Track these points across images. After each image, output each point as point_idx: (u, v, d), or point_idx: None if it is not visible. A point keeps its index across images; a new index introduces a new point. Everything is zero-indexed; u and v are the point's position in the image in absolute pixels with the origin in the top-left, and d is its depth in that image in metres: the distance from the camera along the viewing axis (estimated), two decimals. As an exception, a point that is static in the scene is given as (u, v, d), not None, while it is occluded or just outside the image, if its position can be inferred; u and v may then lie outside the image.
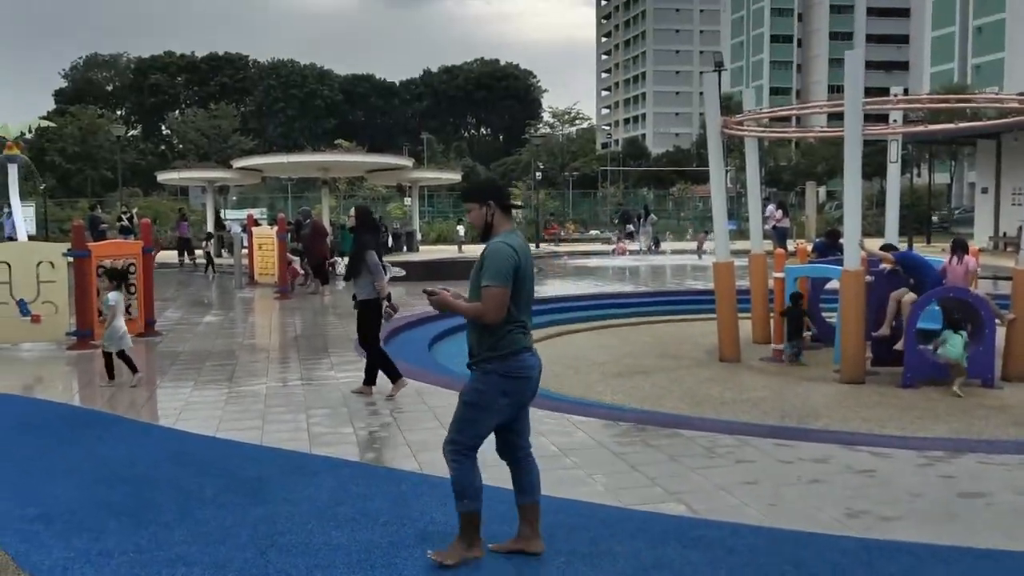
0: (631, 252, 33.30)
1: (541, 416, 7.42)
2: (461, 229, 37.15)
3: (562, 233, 44.92)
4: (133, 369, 9.16)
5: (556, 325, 14.92)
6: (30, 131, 29.82)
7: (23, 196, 26.69)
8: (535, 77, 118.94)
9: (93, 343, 11.58)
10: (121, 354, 9.17)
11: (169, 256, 28.29)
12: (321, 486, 5.60)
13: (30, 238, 24.24)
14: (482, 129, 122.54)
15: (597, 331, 14.86)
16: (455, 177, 41.88)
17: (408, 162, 35.75)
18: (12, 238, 23.41)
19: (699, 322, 15.05)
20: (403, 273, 22.12)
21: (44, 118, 49.15)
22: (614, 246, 34.63)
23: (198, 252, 27.96)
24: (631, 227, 36.19)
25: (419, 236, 37.35)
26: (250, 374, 9.56)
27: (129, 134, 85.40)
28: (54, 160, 63.93)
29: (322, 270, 19.55)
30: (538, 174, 46.81)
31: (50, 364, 10.74)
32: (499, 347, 4.35)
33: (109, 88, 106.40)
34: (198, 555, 4.49)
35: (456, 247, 36.07)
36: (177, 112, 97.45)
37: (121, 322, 9.21)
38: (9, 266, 11.32)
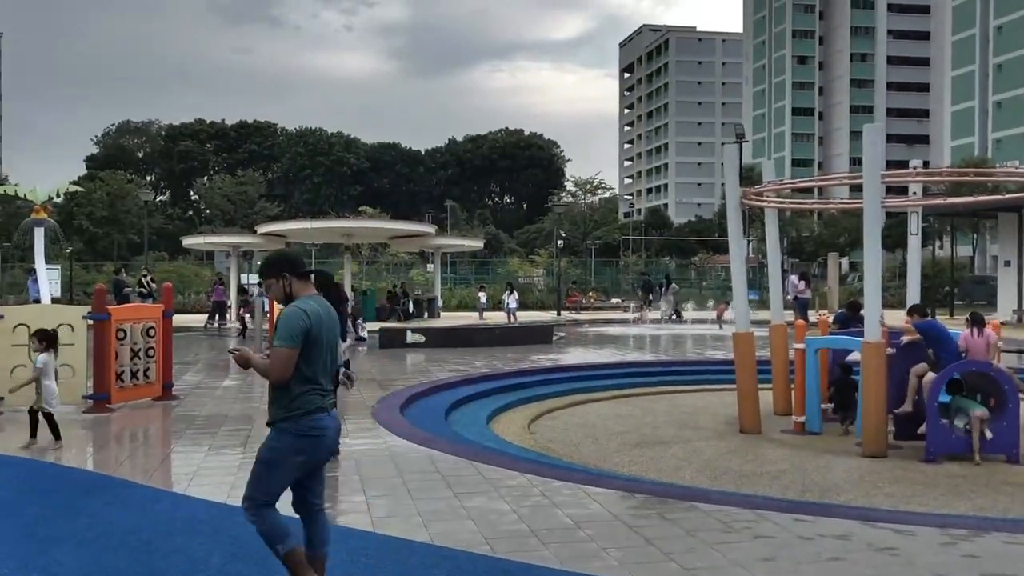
0: (652, 321, 33.18)
1: (557, 487, 7.32)
2: (483, 296, 37.19)
3: (583, 301, 44.87)
4: (56, 436, 9.20)
5: (576, 393, 14.79)
6: (58, 195, 30.39)
7: (49, 259, 27.11)
8: (558, 147, 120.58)
9: (109, 407, 11.61)
10: (49, 417, 9.25)
11: (192, 320, 28.52)
12: (333, 556, 5.48)
13: (54, 301, 24.51)
14: (506, 197, 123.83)
15: (616, 400, 14.70)
16: (477, 244, 42.15)
17: (430, 229, 36.08)
18: (37, 300, 23.71)
19: (719, 393, 14.89)
20: (423, 339, 22.15)
21: (74, 183, 50.25)
22: (635, 315, 34.51)
23: (229, 317, 28.28)
24: (652, 296, 36.11)
25: (440, 302, 37.44)
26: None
27: (157, 199, 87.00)
28: (82, 224, 65.07)
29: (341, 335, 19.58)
30: (560, 242, 47.02)
31: (65, 427, 10.64)
32: (292, 407, 4.49)
33: (140, 154, 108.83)
34: (200, 626, 4.39)
35: (478, 314, 36.08)
36: (205, 178, 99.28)
37: (53, 384, 9.33)
38: (28, 328, 11.41)
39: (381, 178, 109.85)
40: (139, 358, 12.25)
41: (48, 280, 25.36)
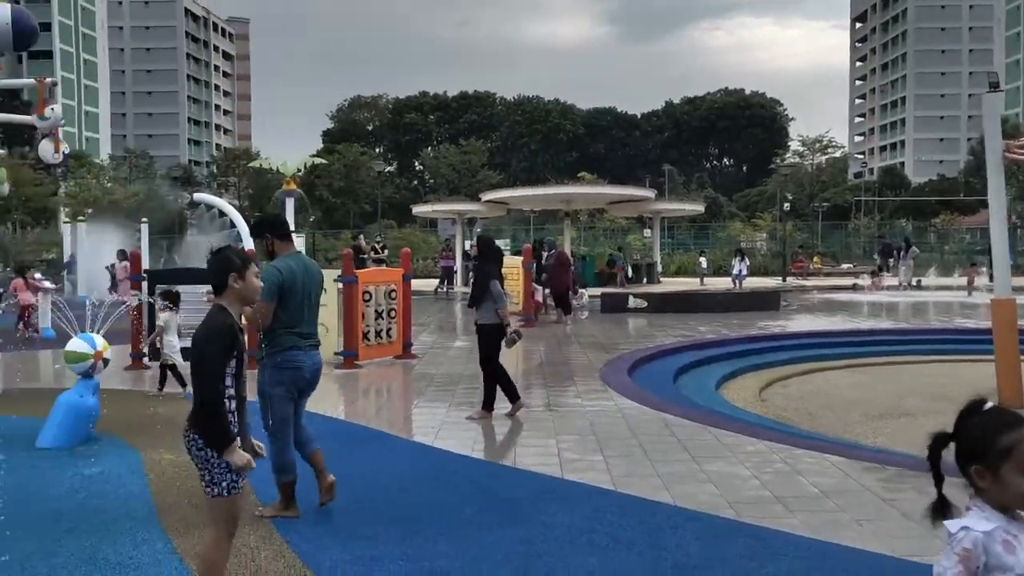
0: (888, 287, 31.21)
1: (799, 455, 7.09)
2: (703, 261, 36.46)
3: (810, 266, 42.91)
4: (182, 384, 9.90)
5: (808, 361, 14.20)
6: (304, 168, 32.77)
7: (296, 227, 29.37)
8: (782, 105, 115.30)
9: (357, 363, 12.46)
10: (173, 368, 10.02)
11: (420, 284, 29.93)
12: (575, 512, 5.64)
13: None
14: (725, 160, 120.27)
15: (853, 369, 13.98)
16: (698, 208, 41.31)
17: (650, 193, 35.76)
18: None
19: (972, 363, 13.78)
20: (644, 304, 22.07)
21: (314, 156, 54.01)
22: (869, 281, 32.61)
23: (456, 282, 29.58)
24: (891, 260, 33.92)
25: (660, 268, 37.10)
26: (500, 399, 9.81)
27: (386, 170, 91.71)
28: (322, 195, 69.81)
29: (565, 300, 19.85)
30: (786, 205, 45.10)
31: (320, 381, 11.61)
32: (272, 346, 5.57)
33: (369, 127, 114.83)
34: (460, 570, 4.65)
35: (698, 279, 35.44)
36: (429, 148, 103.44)
37: (174, 338, 10.09)
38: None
39: (597, 144, 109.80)
40: (382, 319, 13.05)
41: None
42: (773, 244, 52.19)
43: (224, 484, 3.68)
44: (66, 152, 29.83)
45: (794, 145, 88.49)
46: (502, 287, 8.91)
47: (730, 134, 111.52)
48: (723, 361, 13.82)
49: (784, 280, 37.83)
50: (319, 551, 4.92)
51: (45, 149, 26.73)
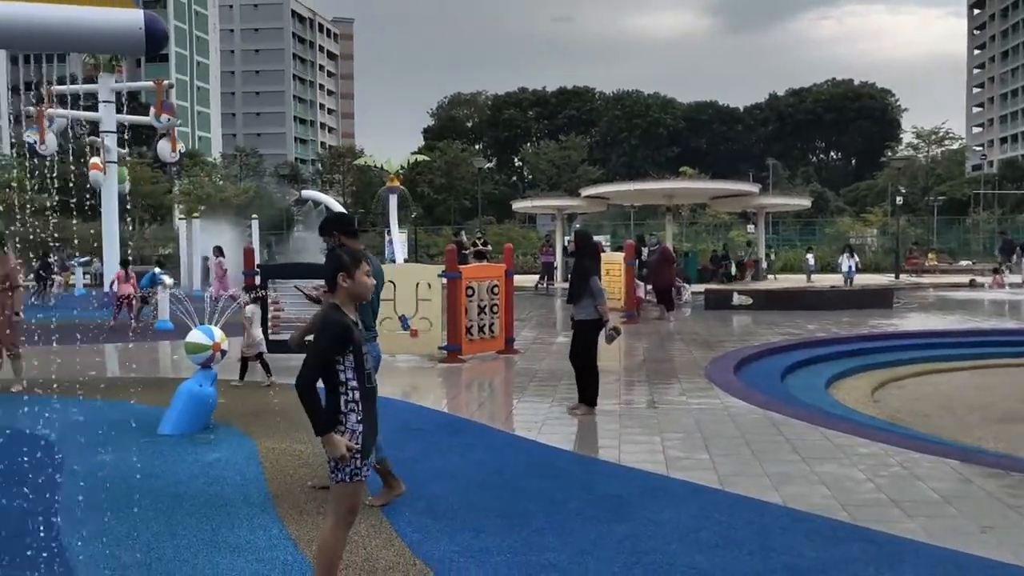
0: (1011, 285, 29.72)
1: (916, 458, 6.83)
2: (811, 258, 35.47)
3: (924, 263, 41.25)
4: (268, 372, 10.48)
5: (924, 362, 13.65)
6: (407, 165, 33.37)
7: (398, 223, 29.92)
8: (893, 96, 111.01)
9: (460, 358, 12.60)
10: (260, 357, 10.50)
11: (521, 280, 30.04)
12: (682, 509, 5.57)
13: (404, 261, 27.02)
14: (832, 153, 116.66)
15: (974, 371, 13.36)
16: (804, 203, 40.22)
17: (754, 188, 35.01)
18: (393, 261, 26.29)
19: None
20: (749, 301, 21.62)
21: (415, 153, 54.96)
22: (991, 278, 31.10)
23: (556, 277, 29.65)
24: (1015, 257, 32.29)
25: (764, 264, 36.29)
26: (602, 395, 9.77)
27: (486, 166, 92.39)
28: (423, 191, 70.83)
29: (668, 296, 19.62)
30: (898, 199, 43.40)
31: (423, 374, 11.82)
32: None
33: (469, 124, 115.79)
34: (567, 564, 4.65)
35: (805, 276, 34.51)
36: (528, 144, 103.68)
37: (258, 331, 10.64)
38: (394, 285, 12.65)
39: (698, 138, 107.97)
40: (485, 314, 13.15)
41: (399, 243, 28.05)
42: (884, 240, 50.36)
43: (348, 470, 3.79)
44: (182, 151, 31.06)
45: (907, 137, 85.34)
46: (600, 282, 8.89)
47: (838, 126, 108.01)
48: (833, 360, 13.42)
49: (897, 277, 36.48)
50: (427, 541, 4.99)
51: (163, 148, 27.95)
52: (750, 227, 47.90)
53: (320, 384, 3.80)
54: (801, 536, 5.06)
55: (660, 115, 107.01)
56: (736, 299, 21.73)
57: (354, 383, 3.81)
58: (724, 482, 6.25)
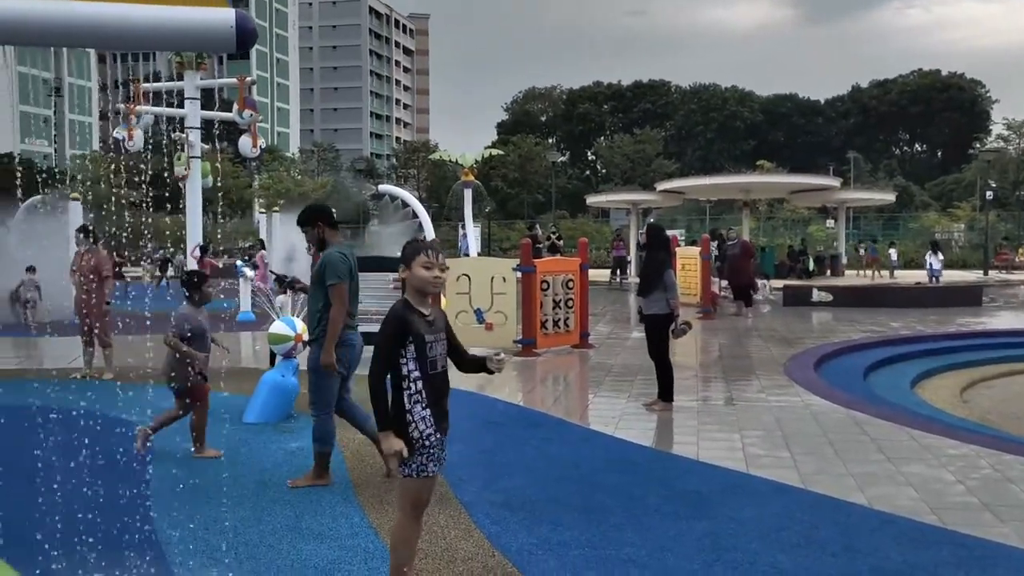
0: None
1: (1009, 461, 6.64)
2: (893, 253, 34.49)
3: (1016, 259, 39.74)
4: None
5: (1017, 361, 13.14)
6: (481, 159, 33.52)
7: (472, 217, 30.07)
8: (983, 87, 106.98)
9: (535, 352, 12.61)
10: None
11: (594, 274, 29.92)
12: (763, 508, 5.49)
13: (477, 255, 27.16)
14: (916, 146, 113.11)
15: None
16: (887, 197, 39.16)
17: (834, 182, 34.22)
18: (467, 254, 26.45)
19: None
20: (829, 298, 21.15)
21: (488, 147, 55.24)
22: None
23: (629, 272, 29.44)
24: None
25: (844, 260, 35.44)
26: (680, 391, 9.65)
27: (559, 160, 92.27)
28: (497, 185, 71.07)
29: (746, 292, 19.30)
30: (988, 193, 41.86)
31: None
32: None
33: (543, 118, 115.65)
34: (647, 559, 4.62)
35: (888, 272, 33.58)
36: (602, 138, 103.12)
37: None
38: (469, 279, 12.74)
39: (776, 131, 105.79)
40: (560, 308, 13.14)
41: (473, 237, 28.19)
42: (972, 235, 48.69)
43: (414, 466, 3.82)
44: (262, 146, 31.71)
45: (997, 129, 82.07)
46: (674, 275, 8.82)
47: (923, 118, 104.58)
48: (918, 359, 13.04)
49: (985, 274, 35.24)
50: (505, 533, 5.02)
51: (244, 144, 28.62)
52: (829, 222, 46.85)
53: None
54: (888, 538, 4.94)
55: (737, 108, 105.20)
56: (816, 295, 21.27)
57: (416, 373, 3.82)
58: (806, 481, 6.13)
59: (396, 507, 4.03)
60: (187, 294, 6.93)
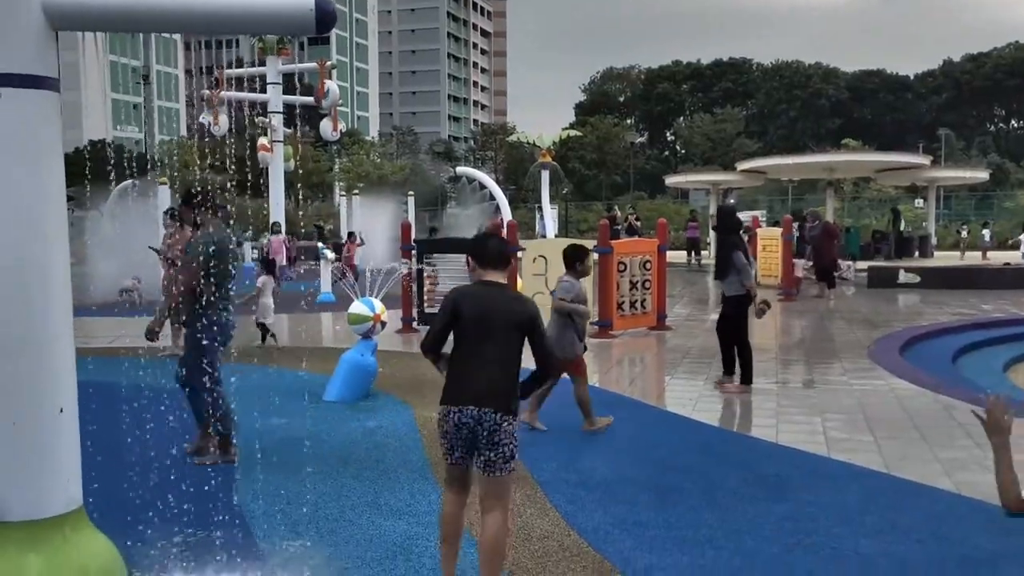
0: None
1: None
2: (986, 233, 33.23)
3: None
4: (264, 339, 11.40)
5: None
6: (558, 141, 33.42)
7: (550, 199, 30.04)
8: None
9: (612, 333, 12.56)
10: (262, 326, 11.34)
11: (672, 256, 29.58)
12: (845, 492, 5.38)
13: (555, 236, 27.12)
14: (1012, 122, 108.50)
15: None
16: (981, 175, 37.74)
17: (924, 160, 33.09)
18: (544, 235, 26.46)
19: None
20: (917, 279, 20.51)
21: (566, 128, 54.97)
22: None
23: (704, 253, 28.97)
24: None
25: (934, 240, 34.27)
26: (760, 373, 9.47)
27: (638, 141, 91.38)
28: (575, 167, 70.75)
29: (829, 273, 18.83)
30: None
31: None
32: (207, 307, 6.02)
33: (621, 99, 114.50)
34: (724, 541, 4.58)
35: (980, 253, 32.38)
36: (682, 118, 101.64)
37: (269, 300, 11.42)
38: (545, 260, 12.73)
39: (862, 108, 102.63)
40: (636, 289, 13.04)
41: (550, 218, 28.16)
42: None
43: (515, 459, 3.86)
44: (343, 130, 32.15)
45: (1099, 102, 77.99)
46: (746, 258, 8.65)
47: (1020, 93, 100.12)
48: (1011, 343, 12.53)
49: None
50: (581, 512, 5.03)
51: (325, 127, 29.07)
52: (919, 201, 45.32)
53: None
54: (977, 526, 4.79)
55: (822, 85, 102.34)
56: (902, 277, 20.63)
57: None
58: (890, 466, 5.99)
59: (499, 508, 3.82)
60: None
